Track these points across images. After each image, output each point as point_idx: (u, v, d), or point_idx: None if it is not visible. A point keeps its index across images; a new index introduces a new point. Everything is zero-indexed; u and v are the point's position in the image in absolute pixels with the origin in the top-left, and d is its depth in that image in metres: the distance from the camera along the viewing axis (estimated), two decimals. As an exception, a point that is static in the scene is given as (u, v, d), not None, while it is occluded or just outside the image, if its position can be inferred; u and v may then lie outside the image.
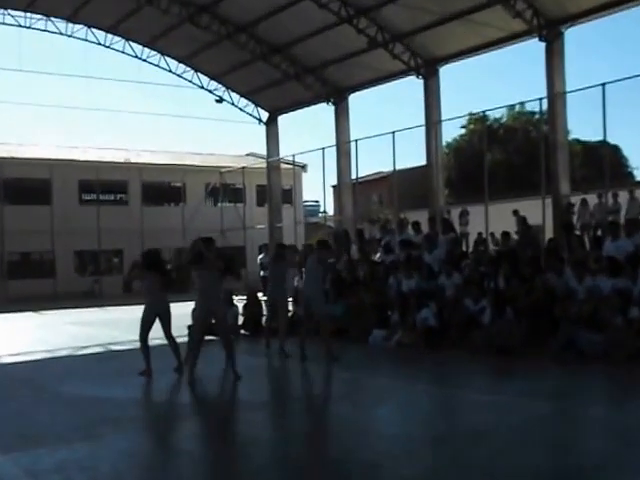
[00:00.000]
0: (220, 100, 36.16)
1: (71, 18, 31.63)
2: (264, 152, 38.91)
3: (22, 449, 7.66)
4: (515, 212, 22.64)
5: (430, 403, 9.94)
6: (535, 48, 23.62)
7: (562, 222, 20.47)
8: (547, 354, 12.04)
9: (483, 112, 27.30)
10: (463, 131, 50.55)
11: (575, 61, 45.13)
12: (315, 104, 34.23)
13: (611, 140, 42.66)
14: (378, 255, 19.45)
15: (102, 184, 39.01)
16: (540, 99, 22.39)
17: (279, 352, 13.71)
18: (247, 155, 49.53)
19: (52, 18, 31.72)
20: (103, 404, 9.90)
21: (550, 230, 21.78)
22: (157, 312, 11.88)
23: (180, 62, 34.58)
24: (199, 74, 35.36)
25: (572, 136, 38.13)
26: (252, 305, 17.64)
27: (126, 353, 14.84)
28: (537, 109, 30.26)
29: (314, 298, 13.06)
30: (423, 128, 27.67)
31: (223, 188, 39.55)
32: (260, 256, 25.67)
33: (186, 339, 12.90)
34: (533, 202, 22.93)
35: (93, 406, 9.83)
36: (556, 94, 22.69)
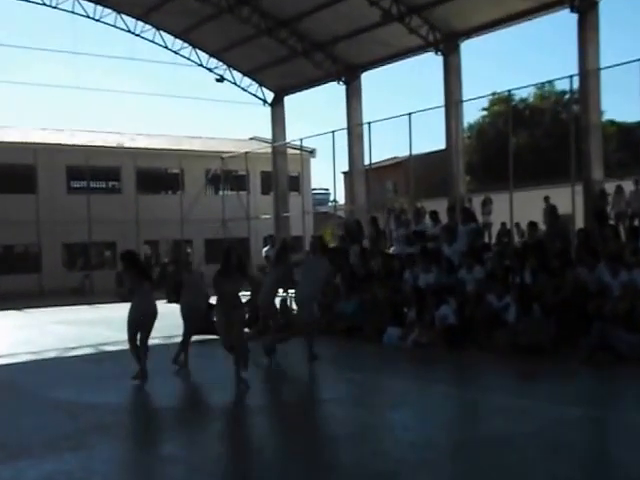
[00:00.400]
0: (221, 79, 36.13)
1: (55, -12, 31.61)
2: (269, 136, 38.88)
3: (4, 461, 7.66)
4: (546, 198, 22.54)
5: (450, 407, 9.93)
6: (566, 20, 23.52)
7: (595, 211, 20.38)
8: (578, 355, 11.98)
9: (508, 91, 27.10)
10: (484, 113, 50.49)
11: (611, 34, 44.93)
12: (324, 83, 34.16)
13: (650, 121, 42.45)
14: (393, 248, 19.40)
15: (92, 170, 38.92)
16: (571, 76, 22.23)
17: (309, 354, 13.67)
18: (251, 139, 49.50)
19: (35, -12, 31.68)
20: (94, 410, 9.92)
21: (581, 220, 21.69)
22: (144, 315, 11.96)
23: (177, 37, 34.53)
24: (198, 51, 35.33)
25: (606, 117, 38.05)
26: (257, 302, 17.59)
27: (119, 354, 14.81)
28: (567, 88, 30.18)
29: (306, 303, 13.20)
30: (442, 109, 27.57)
31: (225, 175, 39.52)
32: (265, 248, 25.67)
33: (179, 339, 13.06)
34: (562, 189, 22.81)
35: (83, 412, 9.86)
36: (589, 71, 22.54)
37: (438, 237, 17.97)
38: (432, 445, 7.81)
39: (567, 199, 21.22)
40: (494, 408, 9.41)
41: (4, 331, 20.83)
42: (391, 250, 19.78)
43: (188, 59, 35.36)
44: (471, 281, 15.33)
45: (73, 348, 16.26)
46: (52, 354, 15.67)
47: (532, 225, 17.72)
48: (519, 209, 22.42)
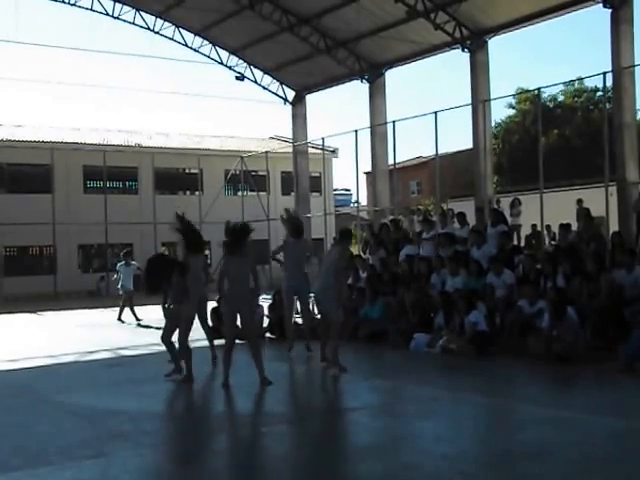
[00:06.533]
0: (241, 77, 36.18)
1: (74, -15, 31.73)
2: (290, 135, 38.90)
3: (22, 468, 7.57)
4: (579, 201, 22.34)
5: (483, 417, 9.77)
6: (599, 15, 23.30)
7: (638, 213, 20.18)
8: (616, 364, 11.77)
9: (538, 89, 26.86)
10: (512, 112, 50.29)
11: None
12: (347, 81, 34.18)
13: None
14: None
15: (109, 170, 39.01)
16: (604, 73, 22.02)
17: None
18: (271, 138, 49.55)
19: (53, -15, 31.79)
20: (114, 417, 9.82)
21: (615, 222, 21.44)
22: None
23: (196, 35, 34.62)
24: (217, 48, 35.39)
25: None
26: (279, 306, 17.50)
27: (138, 359, 14.79)
28: (599, 85, 29.94)
29: (324, 298, 12.82)
30: (469, 107, 27.43)
31: (244, 175, 39.53)
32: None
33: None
34: (594, 190, 22.59)
35: (103, 419, 9.76)
36: (623, 68, 22.33)
37: (467, 239, 17.81)
38: (466, 457, 7.65)
39: (600, 200, 21.00)
40: (529, 419, 9.22)
41: (19, 334, 20.85)
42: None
43: (208, 57, 35.46)
44: (501, 285, 15.14)
45: (91, 352, 16.18)
46: (69, 358, 15.60)
47: (565, 227, 17.50)
48: (549, 211, 22.22)
